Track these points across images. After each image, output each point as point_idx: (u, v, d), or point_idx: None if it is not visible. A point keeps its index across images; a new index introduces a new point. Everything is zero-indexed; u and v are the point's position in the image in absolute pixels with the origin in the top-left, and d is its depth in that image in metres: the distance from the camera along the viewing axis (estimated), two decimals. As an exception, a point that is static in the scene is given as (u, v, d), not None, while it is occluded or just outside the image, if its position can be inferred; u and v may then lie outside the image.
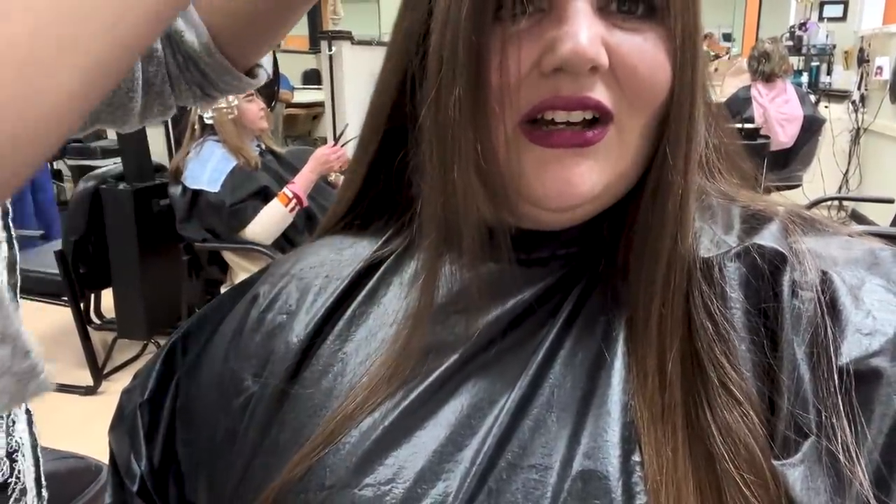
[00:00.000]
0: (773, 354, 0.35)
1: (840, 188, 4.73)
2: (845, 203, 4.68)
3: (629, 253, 0.39)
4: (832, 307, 0.35)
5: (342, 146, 2.28)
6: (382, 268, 0.45)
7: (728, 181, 0.44)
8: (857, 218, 4.54)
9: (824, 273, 0.36)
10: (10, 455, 0.48)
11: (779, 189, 3.94)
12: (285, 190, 2.16)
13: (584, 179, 0.36)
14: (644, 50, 0.36)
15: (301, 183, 2.18)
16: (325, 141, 2.41)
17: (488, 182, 0.37)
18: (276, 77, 3.48)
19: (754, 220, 0.40)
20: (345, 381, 0.41)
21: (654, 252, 0.37)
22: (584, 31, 0.34)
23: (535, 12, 0.35)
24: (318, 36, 4.59)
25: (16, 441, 0.50)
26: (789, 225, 0.39)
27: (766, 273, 0.37)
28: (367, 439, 0.38)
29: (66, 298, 2.45)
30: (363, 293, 0.44)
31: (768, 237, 0.38)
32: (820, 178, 4.32)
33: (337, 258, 0.47)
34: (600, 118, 0.36)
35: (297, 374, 0.43)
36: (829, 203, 4.52)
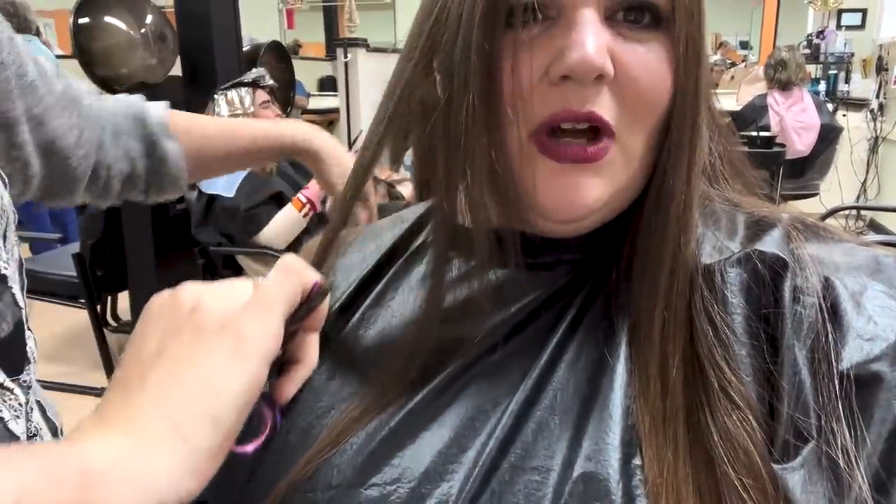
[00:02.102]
0: (773, 360, 0.35)
1: (858, 197, 4.67)
2: (863, 212, 4.63)
3: (633, 259, 0.39)
4: (834, 312, 0.35)
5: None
6: (391, 271, 0.46)
7: (732, 188, 0.44)
8: (876, 227, 4.49)
9: (826, 279, 0.36)
10: (31, 438, 0.51)
11: (795, 198, 3.90)
12: (299, 195, 2.18)
13: (589, 193, 0.37)
14: (647, 60, 0.36)
15: (315, 188, 2.20)
16: (339, 147, 2.45)
17: (500, 189, 0.38)
18: (293, 84, 3.51)
19: (757, 227, 0.40)
20: (353, 382, 0.42)
21: (657, 258, 0.38)
22: (592, 40, 0.34)
23: (544, 20, 0.36)
24: (334, 43, 4.63)
25: (34, 426, 0.53)
26: (792, 231, 0.39)
27: (766, 279, 0.37)
28: (374, 440, 0.39)
29: (83, 301, 2.48)
30: (371, 297, 0.45)
31: (770, 243, 0.38)
32: (838, 187, 4.27)
33: (345, 262, 0.48)
34: (603, 130, 0.37)
35: None
36: (846, 212, 4.47)
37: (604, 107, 0.36)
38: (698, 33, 0.37)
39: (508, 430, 0.37)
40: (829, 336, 0.34)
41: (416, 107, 0.41)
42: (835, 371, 0.34)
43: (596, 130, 0.37)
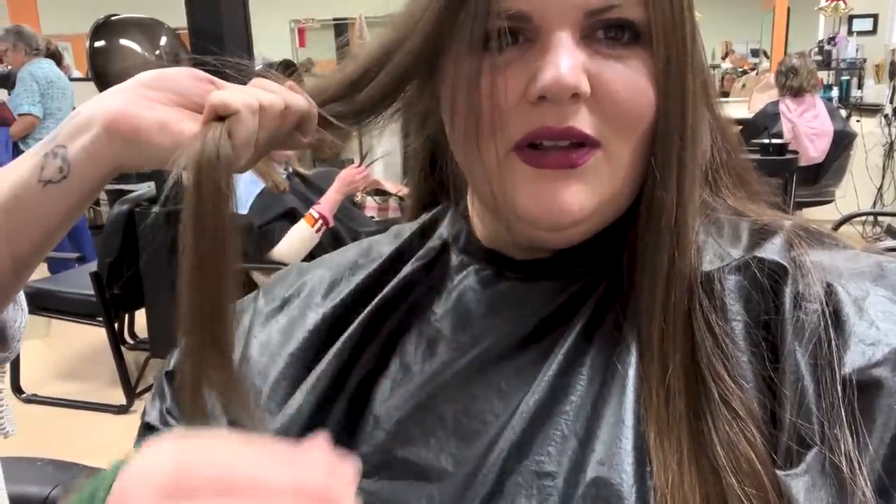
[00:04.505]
0: (773, 367, 0.36)
1: (874, 203, 4.62)
2: (880, 218, 4.57)
3: (633, 268, 0.40)
4: (836, 318, 0.35)
5: (367, 166, 2.31)
6: (392, 283, 0.47)
7: (735, 196, 0.45)
8: (893, 233, 4.41)
9: (829, 285, 0.37)
10: None
11: (810, 205, 3.87)
12: (311, 211, 2.20)
13: (573, 199, 0.37)
14: (626, 76, 0.37)
15: (327, 204, 2.21)
16: (352, 162, 2.46)
17: (486, 203, 0.39)
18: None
19: (760, 234, 0.41)
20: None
21: (652, 269, 0.38)
22: (565, 61, 0.35)
23: (523, 42, 0.37)
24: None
25: None
26: (794, 238, 0.40)
27: (766, 286, 0.37)
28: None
29: (100, 319, 2.51)
30: (376, 300, 0.46)
31: (770, 250, 0.39)
32: (853, 193, 4.23)
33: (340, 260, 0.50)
34: (585, 142, 0.37)
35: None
36: (863, 219, 4.42)
37: (583, 121, 0.36)
38: (682, 46, 0.37)
39: (520, 432, 0.38)
40: (832, 342, 0.35)
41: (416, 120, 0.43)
42: (837, 377, 0.34)
43: (578, 145, 0.37)
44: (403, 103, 0.43)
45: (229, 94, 0.38)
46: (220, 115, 0.37)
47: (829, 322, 0.35)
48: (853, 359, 0.34)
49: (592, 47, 0.37)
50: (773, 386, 0.35)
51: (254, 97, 0.38)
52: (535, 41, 0.36)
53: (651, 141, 0.38)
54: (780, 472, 0.33)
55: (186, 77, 0.41)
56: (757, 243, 0.40)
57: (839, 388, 0.33)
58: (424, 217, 0.50)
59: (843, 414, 0.33)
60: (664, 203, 0.38)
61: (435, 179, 0.50)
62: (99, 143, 0.40)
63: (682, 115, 0.38)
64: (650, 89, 0.37)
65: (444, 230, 0.48)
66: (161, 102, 0.40)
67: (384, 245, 0.49)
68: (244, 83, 0.41)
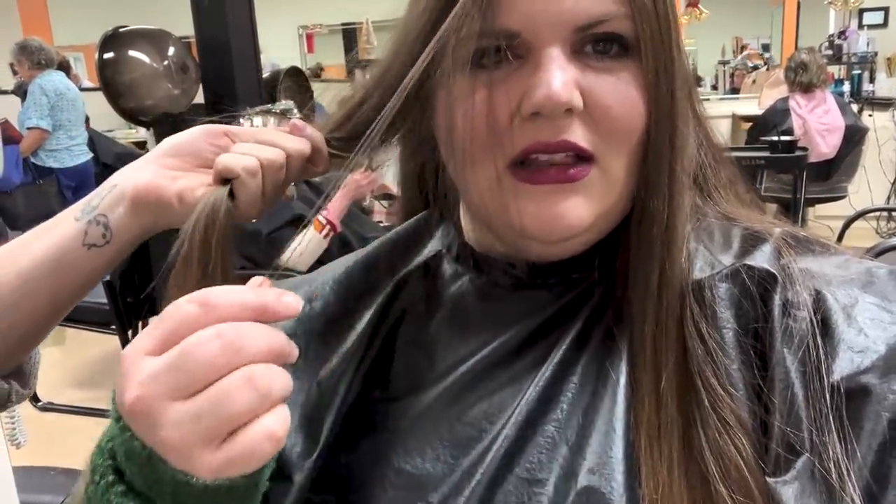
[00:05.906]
0: (762, 375, 0.36)
1: (888, 199, 4.57)
2: (894, 214, 4.52)
3: (627, 276, 0.40)
4: (825, 325, 0.35)
5: (374, 171, 2.32)
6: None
7: (725, 198, 0.45)
8: (908, 228, 4.38)
9: (818, 292, 0.37)
10: None
11: (822, 201, 3.83)
12: (318, 217, 2.21)
13: (571, 213, 0.37)
14: (617, 89, 0.37)
15: (334, 209, 2.22)
16: (360, 167, 2.48)
17: (483, 219, 0.39)
18: (311, 107, 3.58)
19: (750, 242, 0.41)
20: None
21: (643, 277, 0.38)
22: (558, 77, 0.35)
23: (513, 59, 0.37)
24: (353, 65, 4.70)
25: None
26: (783, 246, 0.40)
27: (755, 294, 0.37)
28: (380, 442, 0.41)
29: (114, 327, 2.54)
30: (374, 308, 0.47)
31: (760, 258, 0.39)
32: (867, 188, 4.18)
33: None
34: (581, 155, 0.37)
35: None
36: (877, 214, 4.37)
37: (577, 135, 0.37)
38: (670, 56, 0.37)
39: (512, 440, 0.38)
40: (821, 349, 0.35)
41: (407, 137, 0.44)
42: (826, 384, 0.34)
43: (574, 158, 0.37)
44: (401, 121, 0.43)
45: (232, 158, 0.42)
46: (225, 178, 0.41)
47: (818, 329, 0.35)
48: (841, 366, 0.34)
49: (582, 61, 0.37)
50: (762, 394, 0.36)
51: (255, 158, 0.41)
52: (525, 58, 0.37)
53: (643, 151, 0.38)
54: (769, 479, 0.34)
55: (202, 137, 0.46)
56: (747, 251, 0.40)
57: (827, 395, 0.34)
58: (411, 223, 0.50)
59: (832, 421, 0.33)
60: (655, 211, 0.38)
61: (423, 191, 0.51)
62: (131, 213, 0.46)
63: (672, 123, 0.38)
64: (640, 101, 0.37)
65: (437, 240, 0.48)
66: (181, 169, 0.45)
67: (381, 259, 0.50)
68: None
